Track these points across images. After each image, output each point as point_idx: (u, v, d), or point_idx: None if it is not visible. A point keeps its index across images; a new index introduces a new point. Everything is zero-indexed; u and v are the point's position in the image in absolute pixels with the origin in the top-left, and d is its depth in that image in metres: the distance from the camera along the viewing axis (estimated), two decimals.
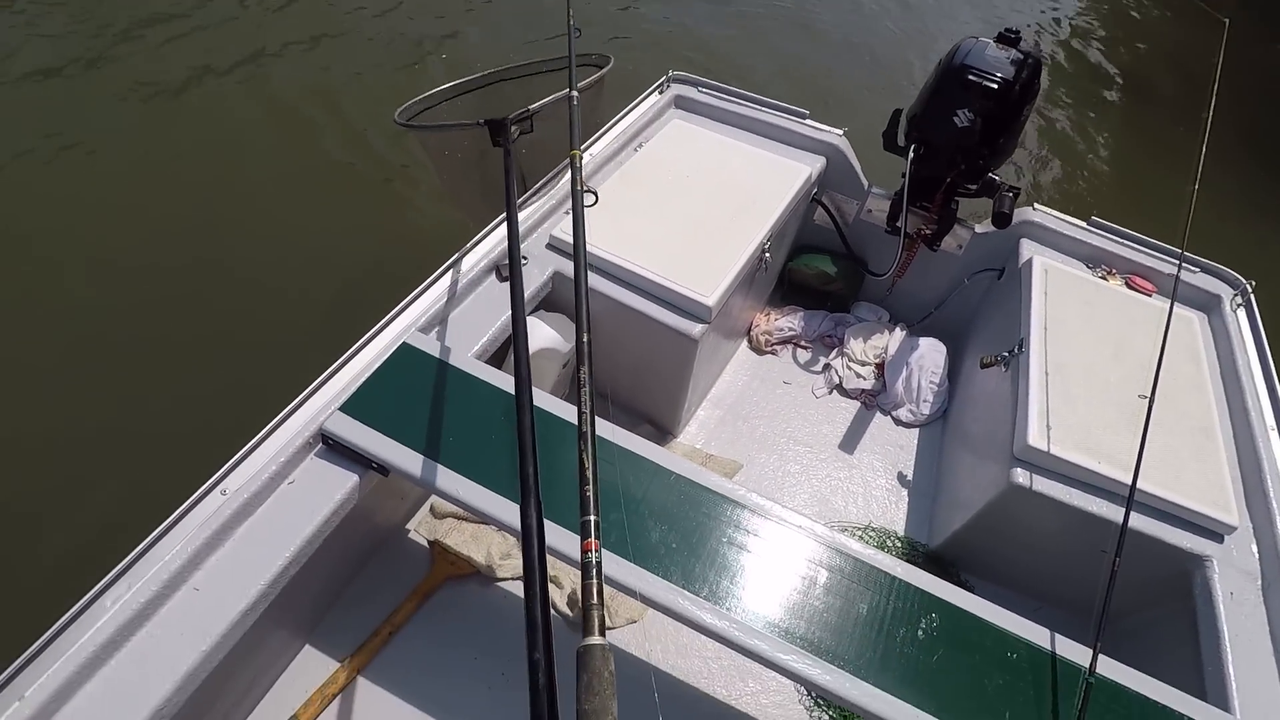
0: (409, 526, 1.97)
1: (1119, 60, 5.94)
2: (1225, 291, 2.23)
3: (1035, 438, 1.74)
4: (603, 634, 0.74)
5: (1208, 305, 2.23)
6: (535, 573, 0.81)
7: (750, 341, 2.65)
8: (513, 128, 1.86)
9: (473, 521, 1.96)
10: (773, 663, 1.29)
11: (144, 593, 1.26)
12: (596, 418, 1.58)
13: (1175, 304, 2.19)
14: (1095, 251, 2.32)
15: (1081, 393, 1.86)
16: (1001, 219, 2.18)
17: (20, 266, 3.11)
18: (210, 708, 1.48)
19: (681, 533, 1.41)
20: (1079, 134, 5.00)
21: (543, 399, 1.59)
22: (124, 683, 1.20)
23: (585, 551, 0.80)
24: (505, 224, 1.78)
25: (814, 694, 1.80)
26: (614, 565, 1.35)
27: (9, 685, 1.14)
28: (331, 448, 1.51)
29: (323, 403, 1.55)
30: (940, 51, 2.31)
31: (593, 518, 0.83)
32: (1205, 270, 2.28)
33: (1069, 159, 4.77)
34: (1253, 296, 2.19)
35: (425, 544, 1.94)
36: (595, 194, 2.05)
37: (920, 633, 1.35)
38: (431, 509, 1.99)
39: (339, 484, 1.47)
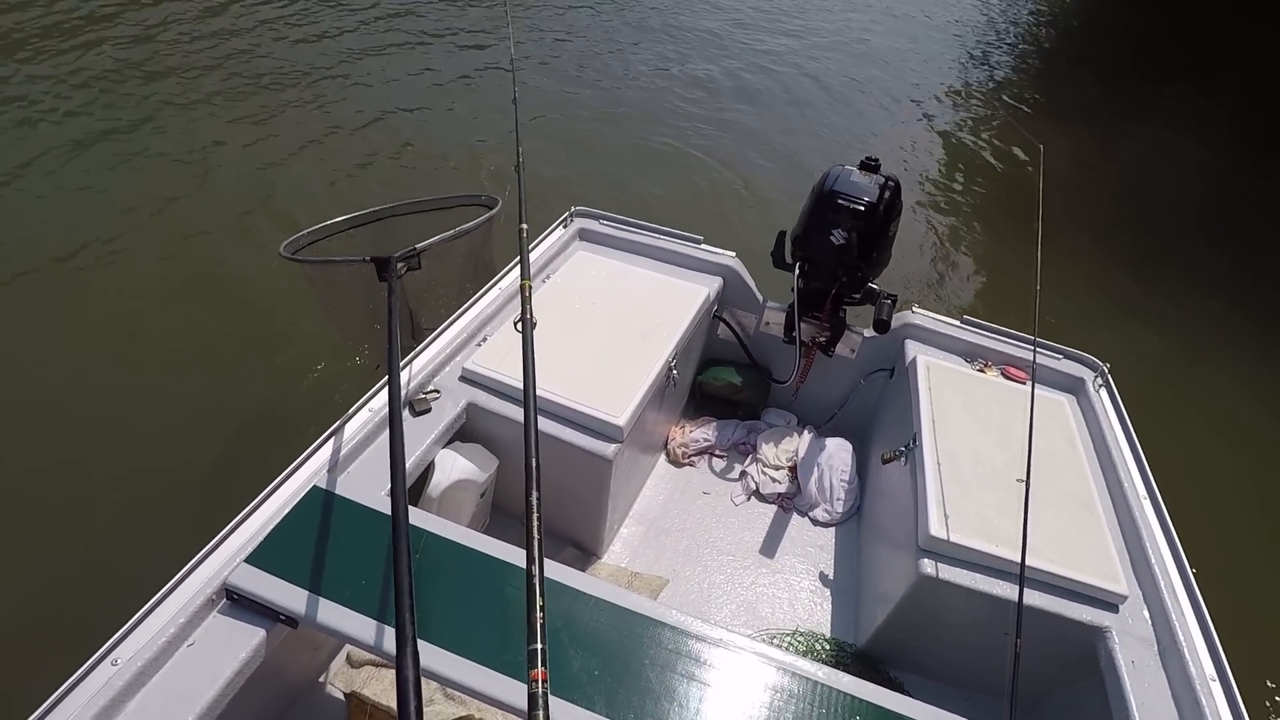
0: (323, 679, 1.87)
1: (971, 178, 6.66)
2: (1087, 374, 2.45)
3: (936, 527, 1.83)
4: None
5: (1074, 388, 2.45)
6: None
7: (668, 455, 2.72)
8: (399, 265, 1.93)
9: (391, 667, 1.87)
10: None
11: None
12: (513, 548, 1.59)
13: (1047, 389, 2.40)
14: (970, 347, 2.53)
15: (972, 479, 1.99)
16: (881, 325, 2.37)
17: None
18: None
19: (605, 659, 1.39)
20: (947, 241, 5.52)
21: (458, 533, 1.59)
22: None
23: (532, 682, 0.75)
24: (399, 360, 1.80)
25: None
26: (513, 696, 1.31)
27: None
28: (236, 602, 1.46)
29: (227, 556, 1.51)
30: (810, 173, 2.58)
31: (539, 645, 0.78)
32: (1067, 356, 2.52)
33: (939, 264, 5.24)
34: (1109, 377, 2.42)
35: (342, 697, 1.83)
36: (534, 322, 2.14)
37: None
38: (348, 658, 1.90)
39: (244, 641, 1.41)
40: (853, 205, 2.37)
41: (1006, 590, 1.78)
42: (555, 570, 1.54)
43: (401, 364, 2.02)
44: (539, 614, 0.82)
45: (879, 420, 2.73)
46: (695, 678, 1.40)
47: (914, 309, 2.65)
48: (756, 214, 5.31)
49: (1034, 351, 2.17)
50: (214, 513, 1.59)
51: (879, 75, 8.45)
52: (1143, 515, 1.98)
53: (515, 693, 1.33)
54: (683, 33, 8.73)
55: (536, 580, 0.86)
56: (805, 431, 2.74)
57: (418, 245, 1.97)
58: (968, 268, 5.29)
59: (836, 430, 2.79)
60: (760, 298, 2.75)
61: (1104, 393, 2.40)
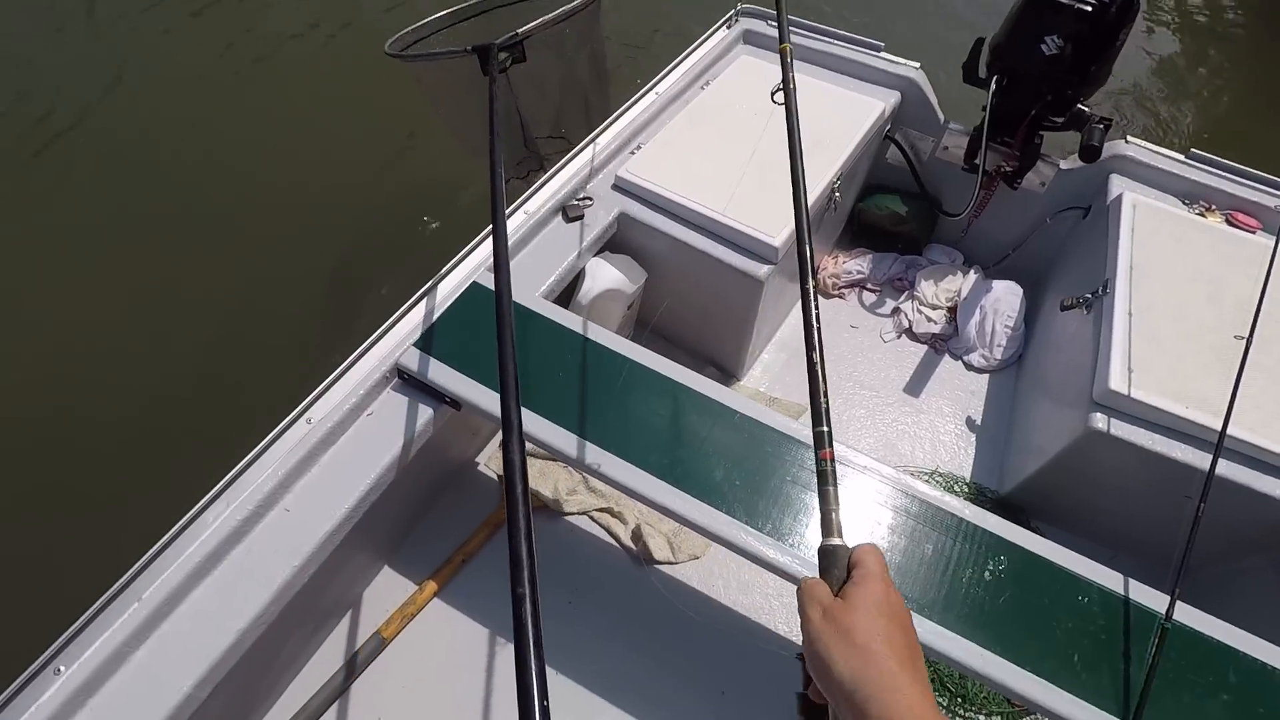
0: (479, 460, 2.05)
1: None
2: None
3: (1116, 381, 1.67)
4: (840, 535, 0.72)
5: None
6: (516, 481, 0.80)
7: (817, 285, 2.60)
8: (502, 55, 1.75)
9: (540, 457, 2.01)
10: None
11: (241, 511, 1.36)
12: (658, 356, 1.61)
13: None
14: (1193, 186, 2.17)
15: (1170, 335, 1.77)
16: (1090, 152, 2.05)
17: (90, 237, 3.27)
18: (302, 621, 1.60)
19: (745, 471, 1.42)
20: (1181, 61, 4.62)
21: (609, 338, 1.61)
22: (227, 591, 1.31)
23: (821, 460, 0.78)
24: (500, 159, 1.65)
25: None
26: (680, 501, 1.38)
27: (127, 589, 1.25)
28: (407, 382, 1.57)
29: (398, 339, 1.61)
30: None
31: (825, 428, 0.80)
32: None
33: (1168, 89, 4.42)
34: None
35: (495, 478, 2.01)
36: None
37: (987, 574, 1.34)
38: (501, 444, 2.06)
39: (415, 417, 1.53)
40: (1077, 4, 1.98)
41: (1189, 455, 1.62)
42: (698, 382, 1.55)
43: (556, 167, 1.99)
44: (822, 399, 0.83)
45: (1061, 264, 2.45)
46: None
47: (1127, 138, 2.27)
48: (950, 21, 4.63)
49: None
50: (387, 303, 1.69)
51: None
52: None
53: (646, 483, 1.39)
54: None
55: (818, 367, 0.85)
56: (971, 271, 2.52)
57: (519, 30, 1.78)
58: (1202, 95, 4.42)
59: (1007, 273, 2.54)
60: (941, 117, 2.45)
61: None
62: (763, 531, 1.35)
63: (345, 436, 1.51)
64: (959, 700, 1.73)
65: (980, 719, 1.72)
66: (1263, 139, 4.11)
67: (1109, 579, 1.35)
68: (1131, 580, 1.36)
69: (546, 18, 1.83)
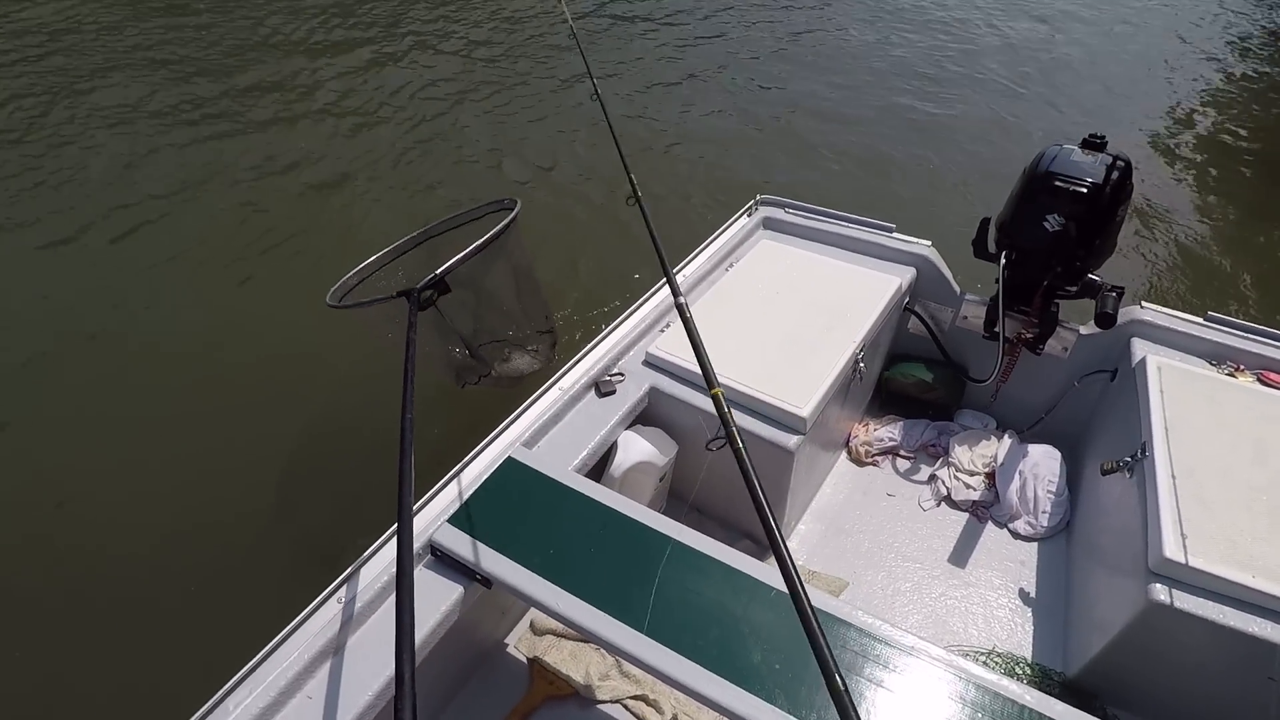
0: (508, 642, 1.98)
1: (1221, 151, 5.77)
2: None
3: (1172, 550, 1.59)
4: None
5: None
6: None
7: (850, 453, 2.60)
8: (426, 293, 1.95)
9: (572, 639, 1.94)
10: None
11: (263, 698, 1.32)
12: (692, 531, 1.59)
13: None
14: (1216, 348, 2.19)
15: (1220, 499, 1.71)
16: (1105, 319, 2.11)
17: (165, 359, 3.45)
18: None
19: (788, 655, 1.35)
20: (1186, 228, 4.81)
21: (641, 513, 1.61)
22: None
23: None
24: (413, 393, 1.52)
25: None
26: (718, 689, 1.30)
27: None
28: (439, 559, 1.57)
29: (432, 515, 1.63)
30: (1021, 154, 2.34)
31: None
32: None
33: (1176, 254, 4.57)
34: None
35: (525, 661, 1.93)
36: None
37: None
38: (531, 625, 1.99)
39: (445, 594, 1.51)
40: (1073, 187, 2.12)
41: (1265, 629, 1.51)
42: (732, 557, 1.52)
43: (589, 345, 2.10)
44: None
45: (1096, 427, 2.43)
46: (883, 685, 1.32)
47: (1141, 304, 2.34)
48: (956, 200, 4.93)
49: None
50: (422, 478, 1.72)
51: (1100, 45, 7.59)
52: None
53: (682, 668, 1.32)
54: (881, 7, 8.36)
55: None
56: (1005, 436, 2.51)
57: (437, 272, 1.96)
58: (1212, 258, 4.55)
59: (1042, 436, 2.52)
60: (957, 289, 2.55)
61: None
62: None
63: (374, 617, 1.49)
64: None
65: None
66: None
67: None
68: None
69: (462, 255, 2.02)
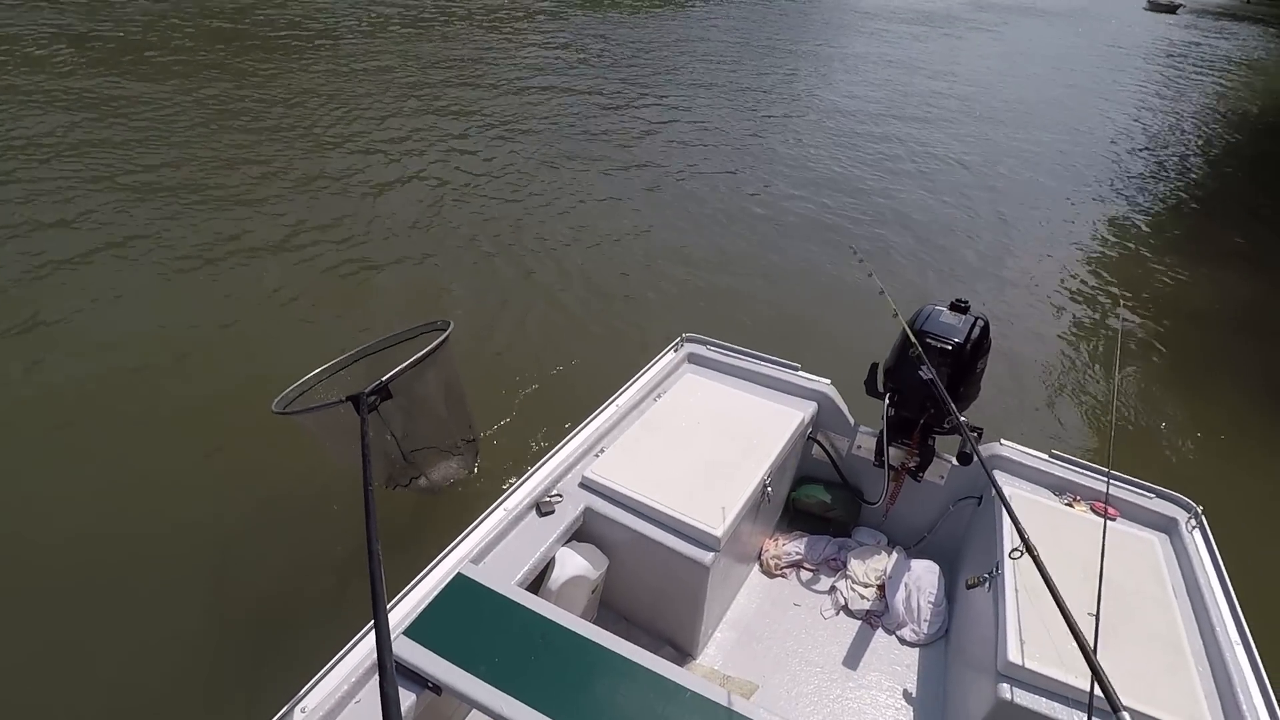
0: None
1: (1063, 311, 6.50)
2: (1180, 514, 2.49)
3: (1013, 653, 1.94)
4: None
5: (1166, 527, 2.49)
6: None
7: (762, 565, 2.90)
8: (371, 398, 2.27)
9: None
10: None
11: None
12: (620, 640, 1.84)
13: (1136, 526, 2.47)
14: (1059, 480, 2.63)
15: (1051, 611, 2.08)
16: (964, 458, 2.53)
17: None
18: None
19: None
20: (1039, 376, 5.45)
21: (576, 623, 1.86)
22: None
23: None
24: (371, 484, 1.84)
25: None
26: None
27: None
28: (397, 671, 1.77)
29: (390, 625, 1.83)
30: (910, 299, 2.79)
31: None
32: (1159, 495, 2.56)
33: (1033, 397, 5.18)
34: (1204, 519, 2.45)
35: None
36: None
37: None
38: None
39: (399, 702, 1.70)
40: (940, 344, 2.58)
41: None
42: (655, 663, 1.77)
43: (533, 469, 2.38)
44: None
45: (967, 545, 2.82)
46: None
47: (1002, 441, 2.78)
48: (855, 339, 5.50)
49: (1108, 481, 2.27)
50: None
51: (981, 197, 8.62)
52: (1235, 660, 2.00)
53: None
54: (789, 162, 9.28)
55: None
56: (895, 551, 2.87)
57: (382, 378, 2.32)
58: (1061, 403, 5.21)
59: (926, 552, 2.90)
60: (852, 421, 2.96)
61: (1198, 534, 2.43)
62: None
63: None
64: None
65: None
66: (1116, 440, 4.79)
67: None
68: None
69: (406, 364, 2.40)
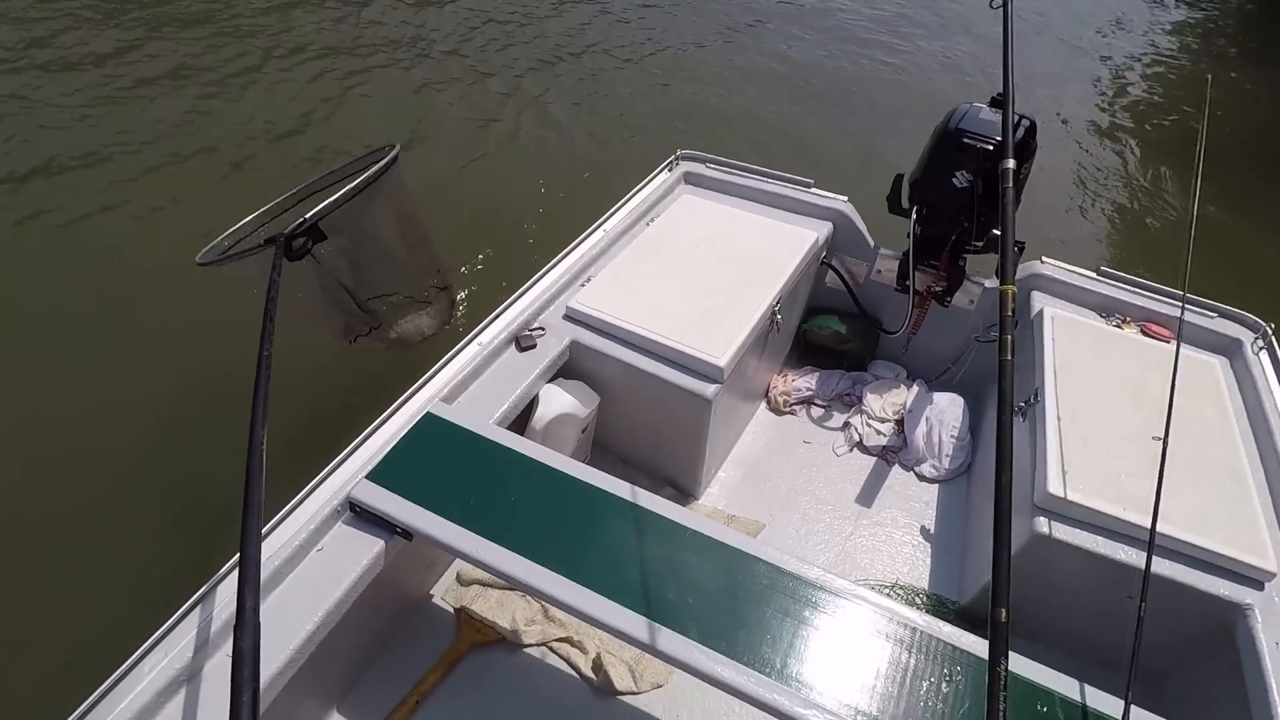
0: (433, 593, 2.00)
1: (1119, 116, 6.05)
2: (1245, 335, 2.22)
3: (1054, 485, 1.73)
4: None
5: (1229, 350, 2.22)
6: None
7: (769, 403, 2.69)
8: (300, 240, 1.89)
9: (498, 588, 1.98)
10: (796, 718, 1.29)
11: (180, 659, 1.31)
12: (614, 479, 1.64)
13: (1196, 349, 2.20)
14: (1106, 300, 2.34)
15: (1099, 439, 1.86)
16: (1002, 274, 2.22)
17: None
18: None
19: (705, 592, 1.42)
20: (1086, 187, 5.04)
21: (564, 463, 1.65)
22: None
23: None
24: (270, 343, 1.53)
25: None
26: (638, 625, 1.37)
27: None
28: (359, 515, 1.57)
29: (350, 472, 1.62)
30: (933, 116, 2.40)
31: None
32: (1223, 315, 2.28)
33: (1076, 212, 4.80)
34: (1274, 339, 2.18)
35: (451, 611, 1.96)
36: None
37: (945, 685, 1.34)
38: (458, 576, 2.02)
39: (366, 550, 1.52)
40: (980, 145, 2.20)
41: (1132, 557, 1.67)
42: (653, 502, 1.57)
43: (508, 300, 2.09)
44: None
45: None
46: (790, 614, 1.41)
47: (1042, 259, 2.47)
48: (873, 158, 5.04)
49: (1183, 305, 1.99)
50: (340, 436, 1.71)
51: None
52: None
53: (603, 608, 1.38)
54: None
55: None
56: (915, 385, 2.64)
57: (307, 215, 1.90)
58: (1108, 217, 4.81)
59: (948, 385, 2.67)
60: (872, 244, 2.64)
61: (1264, 356, 2.17)
62: (722, 653, 1.34)
63: (294, 574, 1.49)
64: None
65: None
66: (1165, 254, 4.45)
67: (1067, 687, 1.35)
68: (1089, 687, 1.36)
69: (335, 198, 1.96)
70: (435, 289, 2.64)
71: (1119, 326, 2.28)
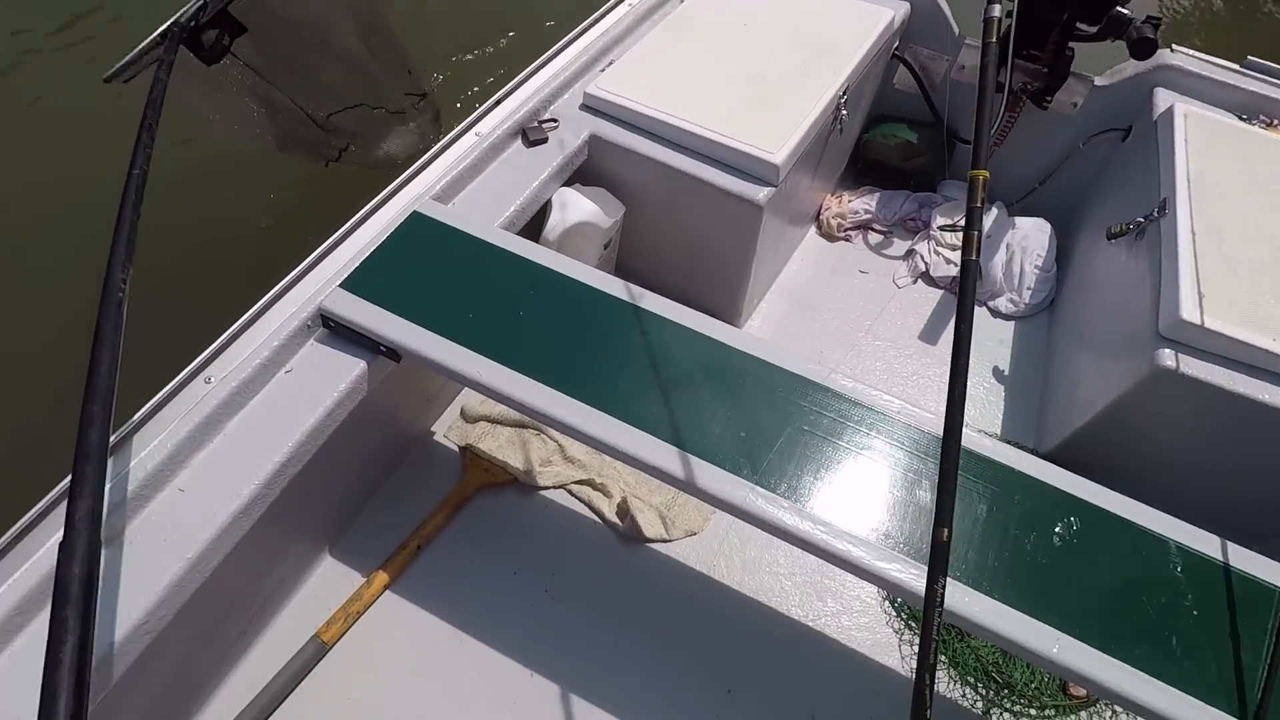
0: (434, 430, 1.76)
1: None
2: None
3: (1188, 310, 1.40)
4: None
5: None
6: None
7: (820, 227, 2.32)
8: (210, 33, 1.47)
9: (509, 424, 1.74)
10: (863, 569, 1.05)
11: (119, 491, 1.07)
12: (646, 292, 1.33)
13: None
14: (1251, 99, 1.90)
15: (1246, 259, 1.50)
16: (1143, 47, 1.77)
17: None
18: (221, 625, 1.32)
19: (753, 422, 1.17)
20: None
21: (581, 271, 1.34)
22: (107, 593, 1.03)
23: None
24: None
25: (906, 614, 1.55)
26: (674, 461, 1.12)
27: None
28: (334, 331, 1.29)
29: (321, 280, 1.33)
30: None
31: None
32: None
33: None
34: None
35: (455, 450, 1.73)
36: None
37: (1056, 539, 1.08)
38: (462, 411, 1.77)
39: (344, 371, 1.25)
40: None
41: (1278, 397, 1.36)
42: (696, 320, 1.29)
43: (512, 84, 1.71)
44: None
45: (1096, 195, 2.18)
46: (861, 453, 1.15)
47: (1171, 47, 2.00)
48: None
49: None
50: (309, 240, 1.40)
51: None
52: None
53: (634, 441, 1.14)
54: None
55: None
56: (994, 208, 2.24)
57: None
58: None
59: (1032, 209, 2.27)
60: (956, 30, 2.16)
61: None
62: (776, 492, 1.09)
63: (257, 399, 1.23)
64: (1005, 692, 1.47)
65: (1030, 713, 1.46)
66: None
67: (1207, 544, 1.09)
68: (1233, 546, 1.10)
69: None
70: (411, 98, 2.21)
71: (1268, 128, 1.85)
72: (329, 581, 1.51)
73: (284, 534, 1.38)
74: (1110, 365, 1.62)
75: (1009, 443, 1.81)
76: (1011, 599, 1.03)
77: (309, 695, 1.39)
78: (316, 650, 1.41)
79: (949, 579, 1.03)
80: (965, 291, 0.83)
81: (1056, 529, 1.10)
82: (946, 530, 0.75)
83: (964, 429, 1.16)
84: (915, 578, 1.03)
